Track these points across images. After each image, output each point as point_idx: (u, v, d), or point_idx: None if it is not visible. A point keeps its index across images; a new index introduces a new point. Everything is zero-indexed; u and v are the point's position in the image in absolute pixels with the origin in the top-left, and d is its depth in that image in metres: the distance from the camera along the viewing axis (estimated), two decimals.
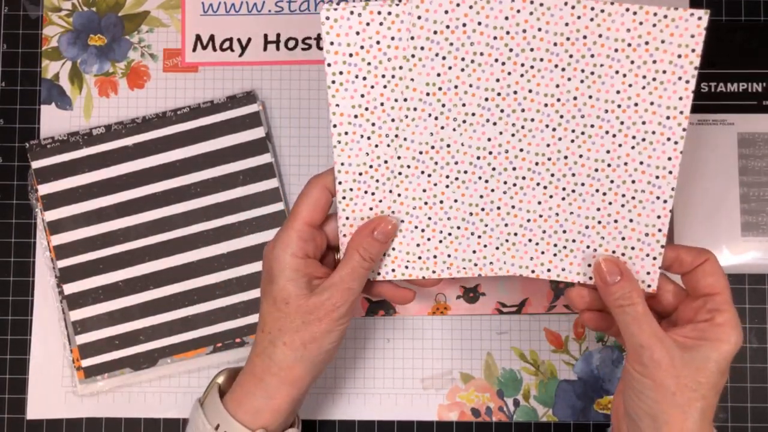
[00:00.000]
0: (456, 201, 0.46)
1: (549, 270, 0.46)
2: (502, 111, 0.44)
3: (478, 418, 0.58)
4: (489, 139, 0.45)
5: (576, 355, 0.58)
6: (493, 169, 0.45)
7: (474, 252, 0.46)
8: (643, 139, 0.43)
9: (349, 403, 0.58)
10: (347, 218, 0.46)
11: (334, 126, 0.45)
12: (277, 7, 0.60)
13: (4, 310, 0.59)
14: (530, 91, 0.44)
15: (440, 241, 0.47)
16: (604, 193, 0.44)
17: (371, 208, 0.46)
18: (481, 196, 0.46)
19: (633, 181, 0.44)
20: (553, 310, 0.58)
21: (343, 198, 0.46)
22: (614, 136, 0.44)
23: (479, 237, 0.46)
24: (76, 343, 0.58)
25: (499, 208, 0.46)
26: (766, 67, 0.58)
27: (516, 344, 0.58)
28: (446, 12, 0.43)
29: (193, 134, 0.59)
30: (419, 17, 0.43)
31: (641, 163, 0.44)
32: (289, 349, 0.45)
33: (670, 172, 0.43)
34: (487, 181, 0.45)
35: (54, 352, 0.58)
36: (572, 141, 0.44)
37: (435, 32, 0.44)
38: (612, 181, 0.44)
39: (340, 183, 0.46)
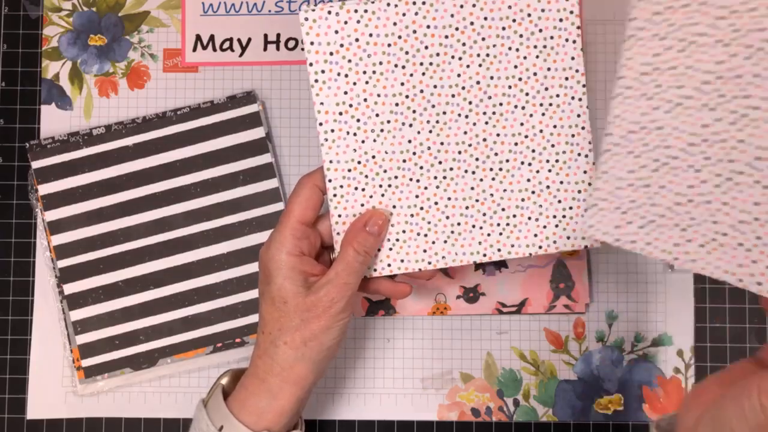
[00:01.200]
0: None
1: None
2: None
3: (478, 418, 0.58)
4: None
5: (576, 355, 0.58)
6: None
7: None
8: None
9: (349, 403, 0.58)
10: (339, 216, 0.47)
11: (320, 124, 0.46)
12: (277, 7, 0.60)
13: (4, 310, 0.59)
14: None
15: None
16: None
17: (362, 204, 0.47)
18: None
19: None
20: (553, 310, 0.58)
21: (334, 196, 0.47)
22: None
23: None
24: (76, 343, 0.58)
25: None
26: None
27: (516, 344, 0.58)
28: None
29: (193, 134, 0.59)
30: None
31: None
32: (290, 348, 0.45)
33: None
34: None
35: (54, 352, 0.58)
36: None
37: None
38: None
39: (330, 181, 0.46)
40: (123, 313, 0.58)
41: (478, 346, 0.58)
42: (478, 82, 0.45)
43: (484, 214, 0.47)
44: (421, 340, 0.59)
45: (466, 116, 0.46)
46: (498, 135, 0.46)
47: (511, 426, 0.58)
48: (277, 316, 0.46)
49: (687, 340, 0.58)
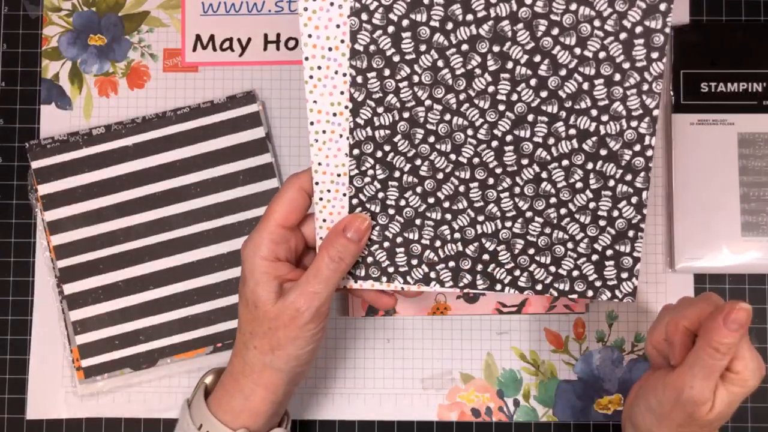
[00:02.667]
0: None
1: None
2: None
3: (478, 418, 0.58)
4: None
5: (576, 355, 0.58)
6: None
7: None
8: None
9: (349, 403, 0.58)
10: (324, 220, 0.45)
11: (311, 124, 0.43)
12: (277, 7, 0.60)
13: (4, 310, 0.59)
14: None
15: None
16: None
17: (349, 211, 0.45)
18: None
19: None
20: (553, 310, 0.58)
21: (320, 200, 0.44)
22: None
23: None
24: (76, 343, 0.58)
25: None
26: (766, 67, 0.58)
27: (516, 344, 0.58)
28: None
29: (193, 134, 0.59)
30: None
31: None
32: (260, 353, 0.44)
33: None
34: None
35: (54, 352, 0.58)
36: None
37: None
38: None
39: (317, 184, 0.44)
40: (123, 313, 0.58)
41: (478, 346, 0.58)
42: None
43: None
44: (421, 340, 0.59)
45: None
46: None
47: (511, 426, 0.58)
48: (249, 319, 0.44)
49: None
